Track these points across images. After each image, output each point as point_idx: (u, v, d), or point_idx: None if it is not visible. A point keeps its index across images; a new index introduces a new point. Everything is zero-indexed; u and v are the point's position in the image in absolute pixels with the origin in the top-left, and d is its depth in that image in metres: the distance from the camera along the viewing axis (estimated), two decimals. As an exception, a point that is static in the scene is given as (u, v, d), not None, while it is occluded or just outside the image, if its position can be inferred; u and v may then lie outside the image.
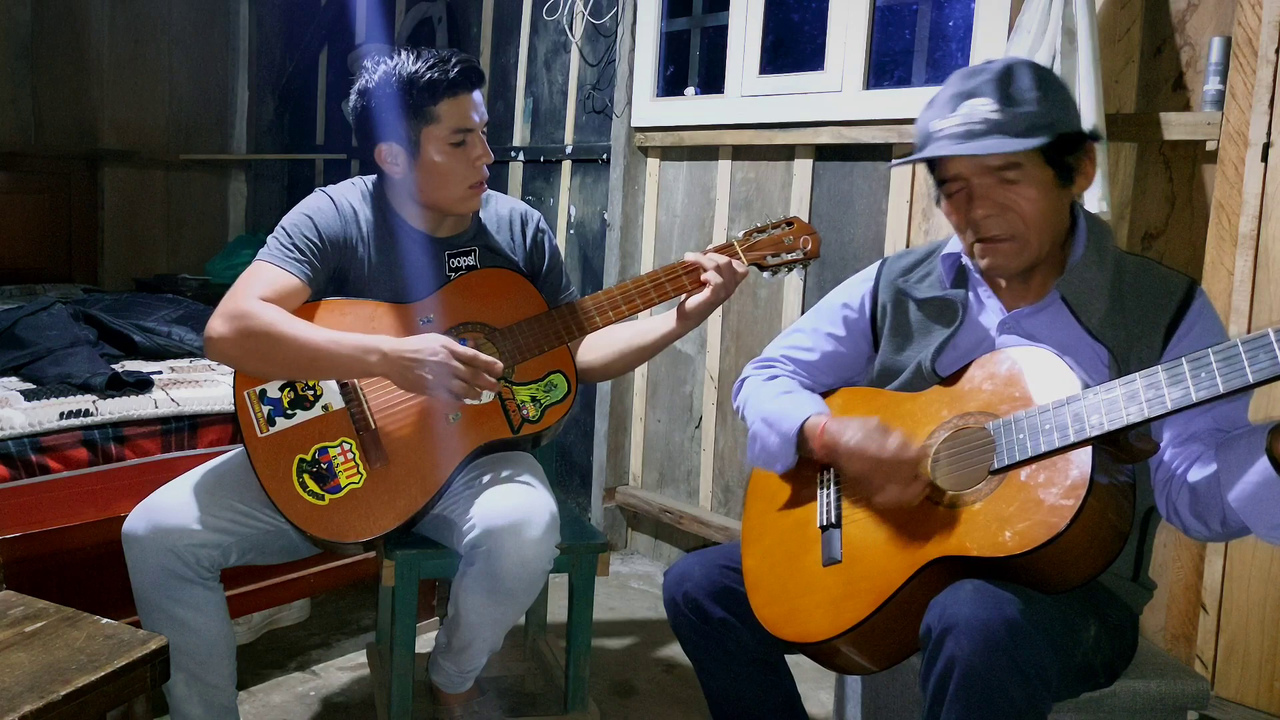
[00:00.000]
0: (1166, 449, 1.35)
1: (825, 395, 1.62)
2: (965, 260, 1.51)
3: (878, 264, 1.64)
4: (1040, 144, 1.33)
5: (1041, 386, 1.32)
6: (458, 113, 1.77)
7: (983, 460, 1.32)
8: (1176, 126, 2.07)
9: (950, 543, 1.28)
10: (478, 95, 1.81)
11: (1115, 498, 1.25)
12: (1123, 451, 1.26)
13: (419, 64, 1.75)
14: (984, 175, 1.37)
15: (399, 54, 1.78)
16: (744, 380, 1.69)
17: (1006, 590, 1.22)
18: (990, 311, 1.49)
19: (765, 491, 1.58)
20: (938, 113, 1.38)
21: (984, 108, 1.34)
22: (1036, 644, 1.20)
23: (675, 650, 2.54)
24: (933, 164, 1.44)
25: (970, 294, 1.51)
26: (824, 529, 1.44)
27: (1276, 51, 1.91)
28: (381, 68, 1.78)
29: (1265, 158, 1.94)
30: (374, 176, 1.90)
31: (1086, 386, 1.27)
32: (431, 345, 1.67)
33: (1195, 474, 1.31)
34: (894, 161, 1.44)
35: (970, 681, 1.18)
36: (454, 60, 1.76)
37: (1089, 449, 1.23)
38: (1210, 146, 2.03)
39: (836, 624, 1.33)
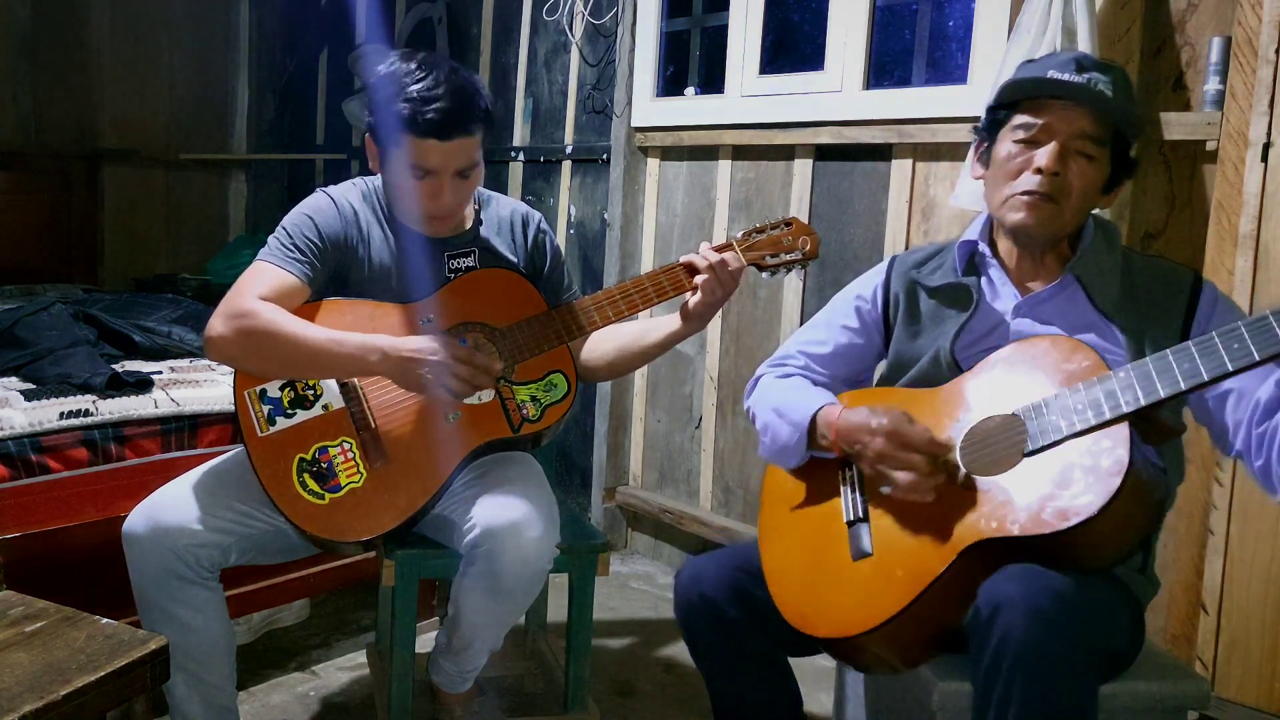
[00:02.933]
0: (1248, 435, 1.32)
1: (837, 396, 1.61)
2: (982, 247, 1.54)
3: (889, 259, 1.66)
4: (1136, 134, 1.44)
5: (1063, 370, 1.33)
6: (418, 153, 1.71)
7: (1014, 444, 1.32)
8: (1176, 126, 2.07)
9: (991, 525, 1.28)
10: (457, 144, 1.70)
11: (1151, 476, 1.26)
12: (1154, 431, 1.28)
13: (413, 87, 1.68)
14: (1073, 139, 1.42)
15: (412, 63, 1.72)
16: (758, 379, 1.68)
17: (1053, 570, 1.23)
18: (1004, 297, 1.51)
19: (781, 492, 1.57)
20: (1056, 65, 1.43)
21: (1103, 82, 1.40)
22: (1086, 621, 1.21)
23: (675, 650, 2.54)
24: (1014, 106, 1.46)
25: (983, 279, 1.53)
26: (851, 524, 1.43)
27: (1276, 51, 1.91)
28: (392, 69, 1.73)
29: (1265, 158, 1.94)
30: (375, 177, 1.90)
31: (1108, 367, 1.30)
32: (431, 344, 1.67)
33: None
34: (1005, 80, 1.48)
35: (1024, 657, 1.18)
36: (434, 105, 1.66)
37: (1125, 426, 1.23)
38: (1210, 146, 2.03)
39: (874, 615, 1.31)
